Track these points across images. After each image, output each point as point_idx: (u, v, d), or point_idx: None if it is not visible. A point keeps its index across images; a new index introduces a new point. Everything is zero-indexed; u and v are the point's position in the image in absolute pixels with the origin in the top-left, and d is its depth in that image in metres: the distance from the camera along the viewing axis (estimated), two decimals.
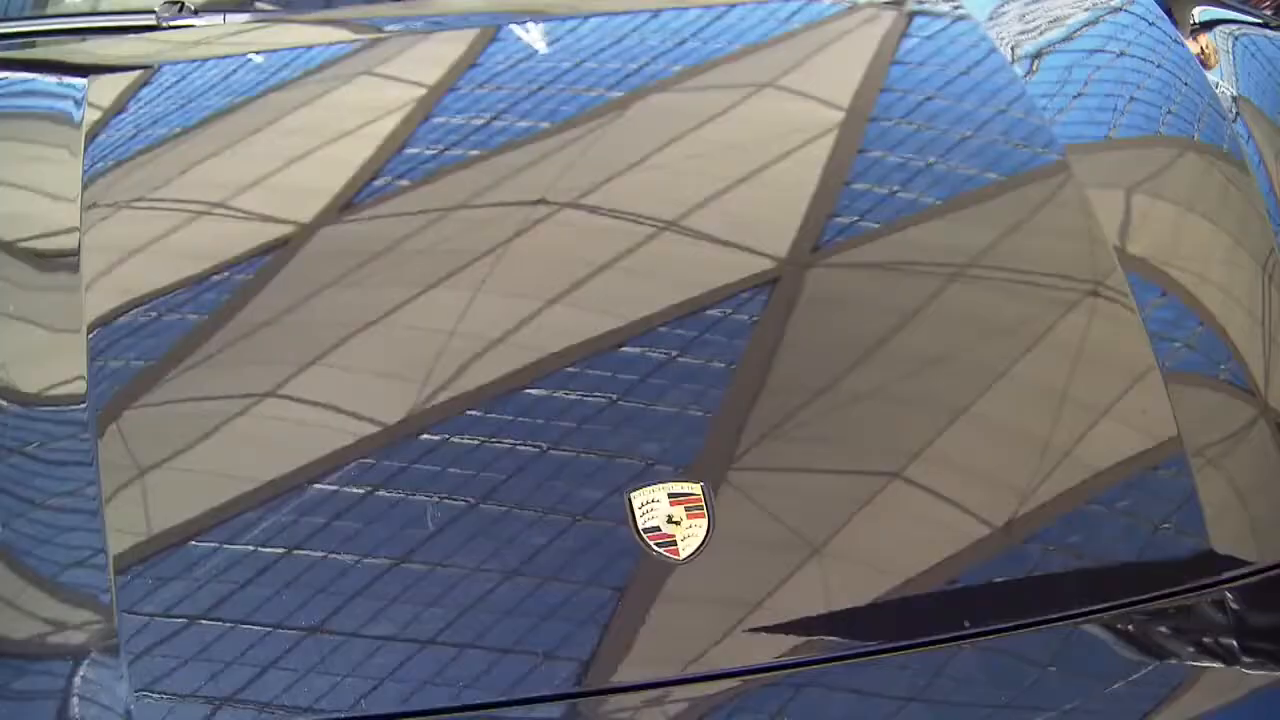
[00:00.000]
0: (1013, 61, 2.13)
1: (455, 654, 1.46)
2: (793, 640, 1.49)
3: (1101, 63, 2.17)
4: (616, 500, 1.55)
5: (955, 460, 1.62)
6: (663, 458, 1.60)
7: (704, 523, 1.53)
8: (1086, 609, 1.51)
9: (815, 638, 1.49)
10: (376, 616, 1.48)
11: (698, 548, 1.52)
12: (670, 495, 1.55)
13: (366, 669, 1.45)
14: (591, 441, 1.61)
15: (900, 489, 1.58)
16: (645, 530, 1.53)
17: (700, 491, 1.55)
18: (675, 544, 1.52)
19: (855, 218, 1.87)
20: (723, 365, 1.70)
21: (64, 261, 1.88)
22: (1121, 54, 2.18)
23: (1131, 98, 2.09)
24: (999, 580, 1.55)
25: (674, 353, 1.70)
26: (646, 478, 1.57)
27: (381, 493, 1.57)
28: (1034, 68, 2.13)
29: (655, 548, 1.52)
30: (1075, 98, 2.07)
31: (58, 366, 1.74)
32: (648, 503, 1.54)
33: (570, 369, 1.69)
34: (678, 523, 1.53)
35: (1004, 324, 1.74)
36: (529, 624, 1.48)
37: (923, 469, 1.59)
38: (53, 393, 1.73)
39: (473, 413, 1.65)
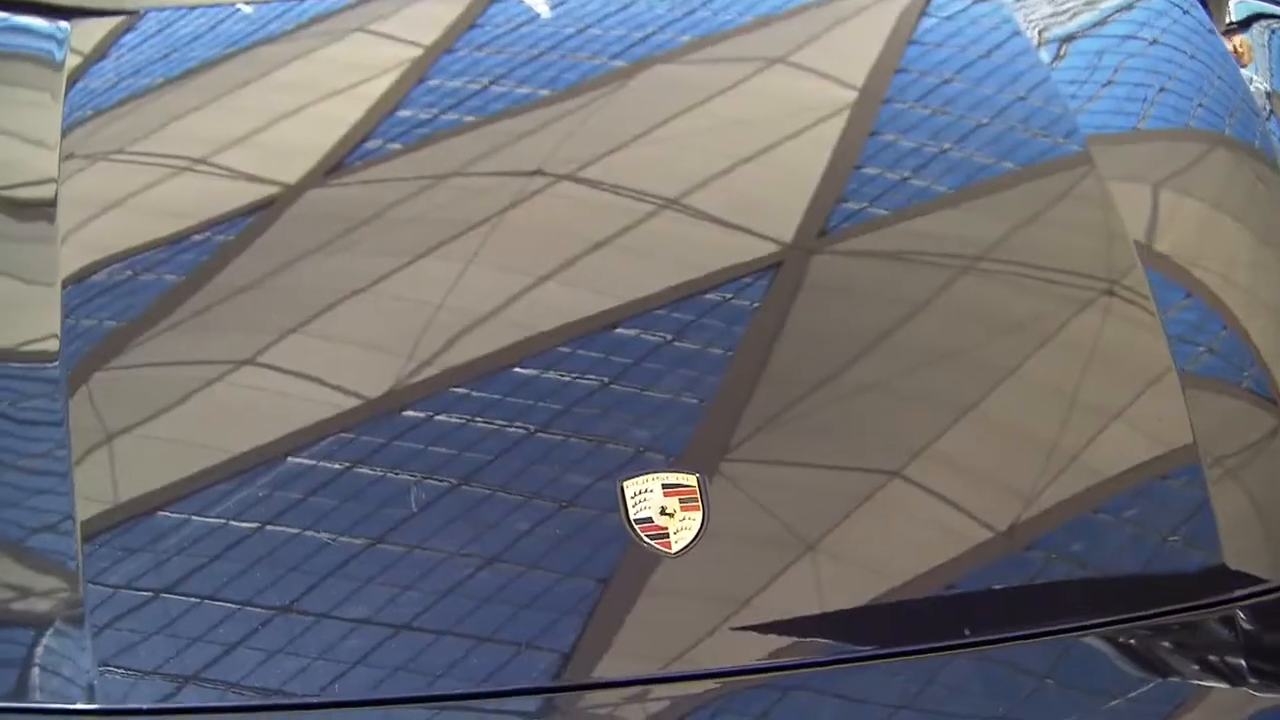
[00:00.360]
0: (1039, 45, 2.13)
1: (430, 641, 1.46)
2: (782, 641, 1.49)
3: (1133, 50, 2.17)
4: (607, 488, 1.56)
5: (958, 460, 1.62)
6: (655, 445, 1.60)
7: (698, 516, 1.53)
8: (1088, 621, 1.52)
9: (805, 640, 1.50)
10: (350, 598, 1.48)
11: (691, 541, 1.52)
12: (664, 486, 1.55)
13: (337, 652, 1.45)
14: (581, 425, 1.62)
15: (900, 488, 1.58)
16: (637, 521, 1.53)
17: (696, 483, 1.55)
18: (667, 537, 1.52)
19: (864, 203, 1.88)
20: (721, 352, 1.70)
21: (41, 211, 1.88)
22: (1154, 42, 2.18)
23: (1162, 88, 2.09)
24: (998, 587, 1.55)
25: (670, 336, 1.71)
26: (639, 466, 1.57)
27: (360, 469, 1.58)
28: (1061, 52, 2.13)
29: (646, 539, 1.52)
30: (1104, 86, 2.07)
31: (31, 321, 1.74)
32: (641, 493, 1.55)
33: (562, 349, 1.70)
34: (671, 515, 1.53)
35: (1015, 320, 1.75)
36: (508, 613, 1.48)
37: (924, 468, 1.60)
38: (26, 348, 1.73)
39: (458, 390, 1.66)
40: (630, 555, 1.52)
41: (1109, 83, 2.08)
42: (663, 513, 1.53)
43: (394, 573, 1.50)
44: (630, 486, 1.55)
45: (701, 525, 1.53)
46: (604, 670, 1.47)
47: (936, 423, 1.64)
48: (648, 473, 1.56)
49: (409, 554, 1.51)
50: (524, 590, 1.49)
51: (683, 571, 1.51)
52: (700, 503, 1.54)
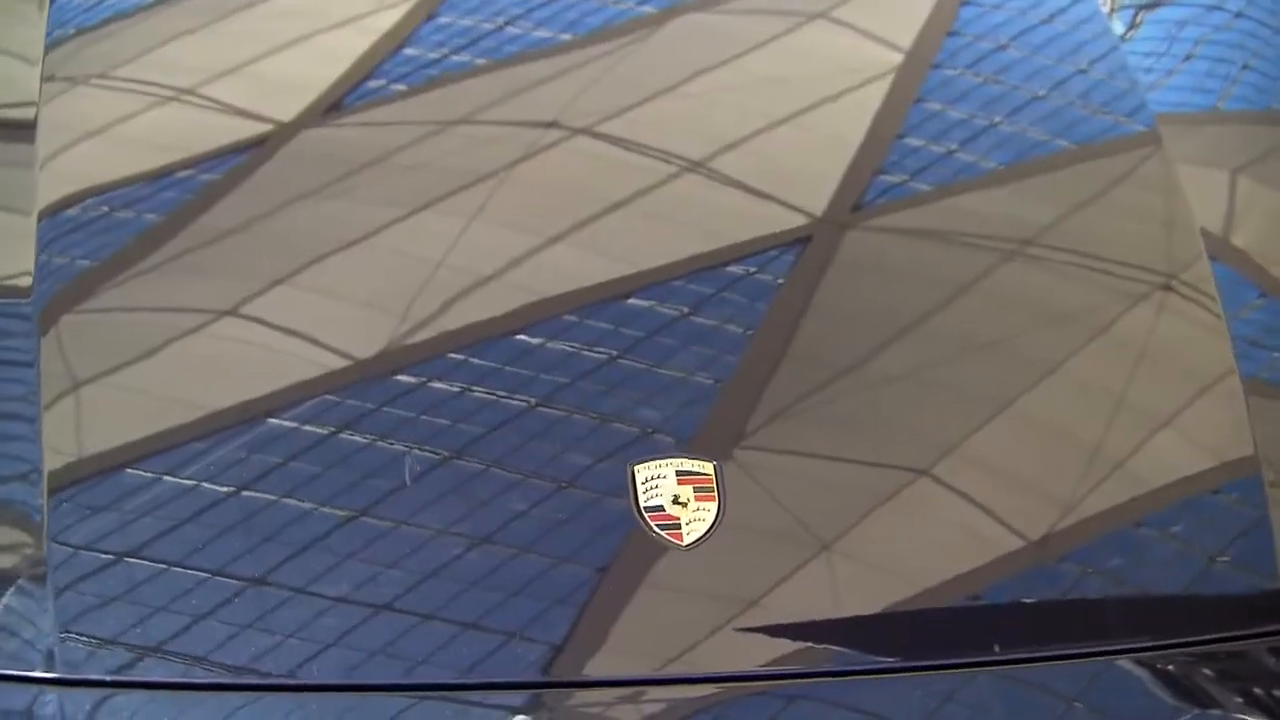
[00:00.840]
0: (1111, 12, 2.12)
1: (412, 625, 1.47)
2: (790, 647, 1.49)
3: (1217, 23, 2.16)
4: (612, 470, 1.56)
5: (991, 460, 1.62)
6: (665, 427, 1.60)
7: (714, 507, 1.53)
8: (1125, 643, 1.51)
9: (817, 646, 1.50)
10: (328, 574, 1.48)
11: (705, 534, 1.52)
12: (679, 473, 1.55)
13: (312, 631, 1.45)
14: (587, 401, 1.62)
15: (927, 488, 1.58)
16: (647, 509, 1.53)
17: (713, 471, 1.55)
18: (679, 528, 1.52)
19: (905, 176, 1.87)
20: (741, 330, 1.70)
21: (22, 134, 1.88)
22: (1239, 15, 2.17)
23: (1245, 65, 2.08)
24: (1027, 601, 1.55)
25: (687, 310, 1.71)
26: (647, 448, 1.57)
27: (346, 435, 1.58)
28: (1137, 20, 2.12)
29: (657, 529, 1.52)
30: (1182, 60, 2.06)
31: (6, 253, 1.74)
32: (653, 478, 1.54)
33: (569, 317, 1.70)
34: (684, 504, 1.53)
35: (1062, 311, 1.74)
36: (498, 599, 1.48)
37: (953, 467, 1.60)
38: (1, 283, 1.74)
39: (455, 355, 1.66)
40: (635, 545, 1.52)
41: (1188, 57, 2.07)
42: (675, 501, 1.53)
43: (377, 549, 1.50)
44: (641, 471, 1.55)
45: (717, 517, 1.53)
46: (597, 667, 1.47)
47: (970, 418, 1.64)
48: (659, 456, 1.56)
49: (394, 530, 1.51)
50: (516, 576, 1.49)
51: (692, 566, 1.50)
52: (716, 493, 1.54)
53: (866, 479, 1.60)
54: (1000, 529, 1.57)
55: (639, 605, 1.49)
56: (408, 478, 1.54)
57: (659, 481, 1.54)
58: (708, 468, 1.56)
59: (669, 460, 1.56)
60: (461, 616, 1.47)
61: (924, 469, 1.59)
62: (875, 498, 1.57)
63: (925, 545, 1.56)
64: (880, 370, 1.68)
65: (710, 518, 1.53)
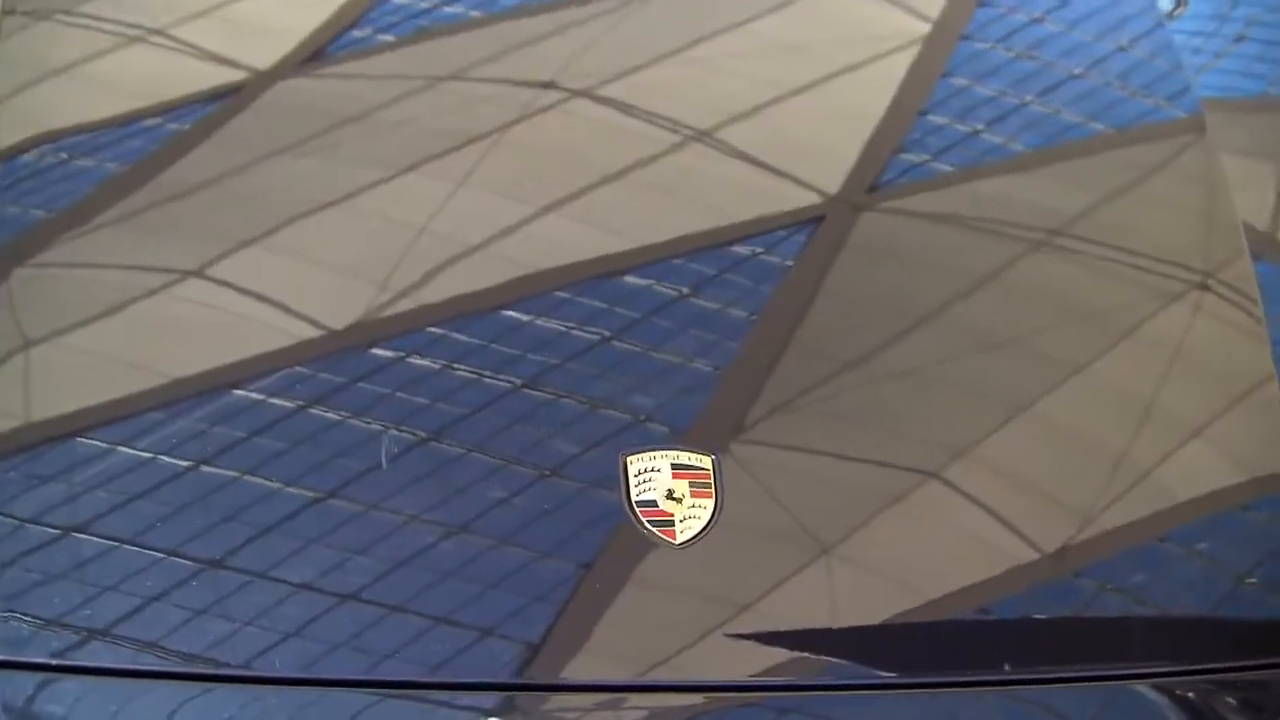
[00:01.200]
0: None
1: (379, 617, 1.47)
2: (783, 656, 1.50)
3: (1272, 3, 2.16)
4: (601, 460, 1.56)
5: (1006, 465, 1.62)
6: (659, 415, 1.60)
7: (710, 504, 1.53)
8: (1142, 666, 1.52)
9: (812, 657, 1.50)
10: (291, 559, 1.49)
11: (699, 532, 1.52)
12: (674, 466, 1.55)
13: (271, 620, 1.46)
14: (576, 384, 1.62)
15: (937, 492, 1.59)
16: (639, 504, 1.53)
17: (710, 466, 1.56)
18: (672, 525, 1.52)
19: (926, 156, 1.88)
20: (744, 314, 1.71)
21: None
22: None
23: None
24: (1040, 618, 1.56)
25: (687, 290, 1.71)
26: (639, 437, 1.57)
27: (315, 411, 1.58)
28: None
29: (648, 525, 1.52)
30: (1234, 41, 2.06)
31: None
32: (646, 471, 1.55)
33: (560, 293, 1.70)
34: (679, 500, 1.53)
35: (1090, 308, 1.75)
36: (473, 593, 1.48)
37: (966, 470, 1.60)
38: None
39: (436, 330, 1.66)
40: (622, 541, 1.52)
41: (1239, 38, 2.07)
42: (669, 497, 1.54)
43: (344, 534, 1.50)
44: (635, 463, 1.55)
45: (713, 515, 1.53)
46: (576, 671, 1.47)
47: (986, 418, 1.65)
48: (653, 448, 1.56)
49: (363, 514, 1.52)
50: (493, 569, 1.50)
51: (684, 566, 1.51)
52: (714, 489, 1.55)
53: (872, 479, 1.60)
54: (1013, 538, 1.57)
55: (624, 606, 1.49)
56: (384, 459, 1.55)
57: (653, 475, 1.54)
58: (705, 462, 1.56)
59: (664, 452, 1.56)
60: (432, 610, 1.47)
61: (934, 471, 1.60)
62: (881, 500, 1.58)
63: (932, 553, 1.56)
64: (892, 363, 1.68)
65: (706, 515, 1.53)
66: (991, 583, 1.55)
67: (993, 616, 1.56)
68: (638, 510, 1.53)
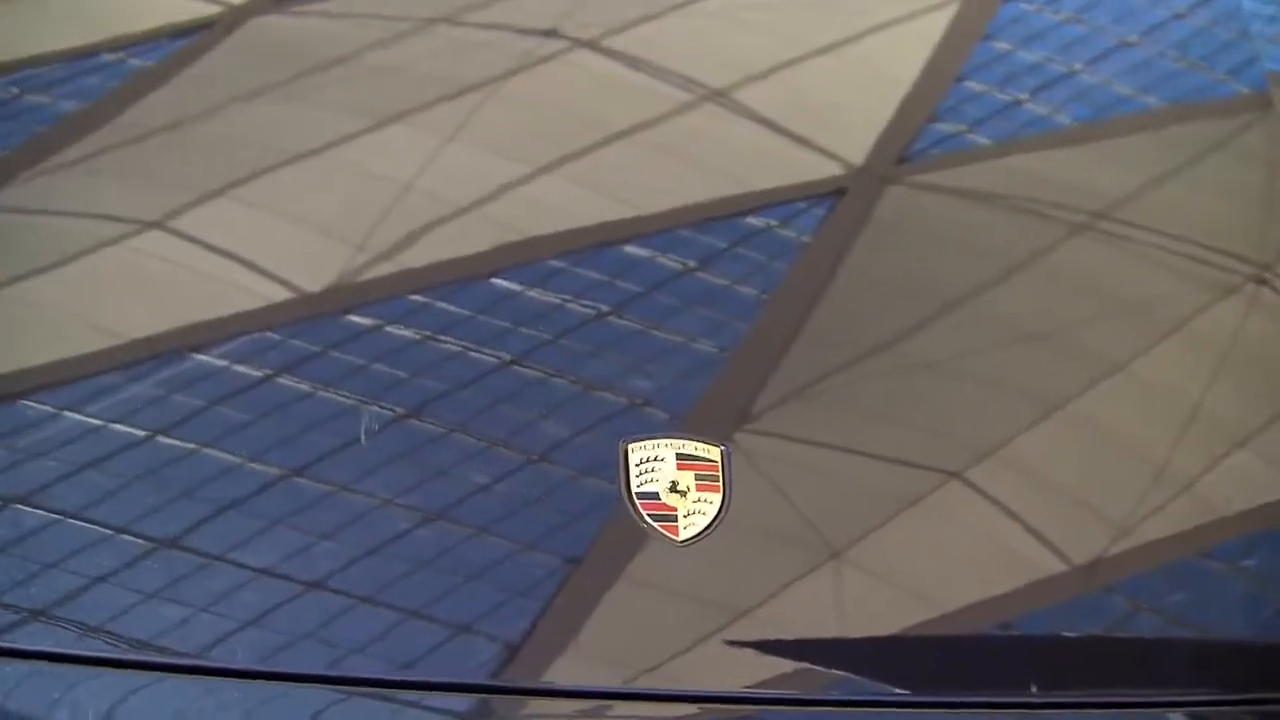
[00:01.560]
0: None
1: (346, 608, 1.47)
2: (787, 666, 1.50)
3: None
4: (594, 446, 1.56)
5: (1035, 467, 1.63)
6: (658, 398, 1.61)
7: (717, 499, 1.54)
8: (1179, 693, 1.52)
9: (817, 668, 1.50)
10: (251, 541, 1.49)
11: (704, 530, 1.53)
12: (679, 456, 1.55)
13: (228, 606, 1.45)
14: (569, 362, 1.62)
15: (958, 493, 1.59)
16: (640, 495, 1.53)
17: (719, 458, 1.56)
18: (675, 520, 1.52)
19: (961, 126, 1.88)
20: (754, 291, 1.71)
21: None
22: None
23: None
24: (1068, 635, 1.56)
25: (694, 264, 1.72)
26: (640, 423, 1.58)
27: (284, 380, 1.58)
28: None
29: (649, 520, 1.52)
30: None
31: None
32: (648, 460, 1.55)
33: (555, 262, 1.71)
34: (683, 493, 1.54)
35: (1134, 299, 1.76)
36: (448, 586, 1.48)
37: (991, 472, 1.61)
38: None
39: (418, 297, 1.66)
40: (617, 534, 1.52)
41: None
42: (673, 489, 1.53)
43: (311, 516, 1.50)
44: (636, 451, 1.55)
45: (720, 512, 1.53)
46: (558, 674, 1.47)
47: (1015, 416, 1.65)
48: (656, 435, 1.56)
49: (332, 495, 1.52)
50: (472, 560, 1.50)
51: (681, 565, 1.51)
52: (722, 483, 1.55)
53: (888, 478, 1.61)
54: (1040, 547, 1.58)
55: (613, 605, 1.49)
56: (364, 436, 1.55)
57: (655, 465, 1.54)
58: (714, 453, 1.56)
59: (669, 440, 1.56)
60: (404, 603, 1.48)
61: (956, 471, 1.60)
62: (897, 501, 1.58)
63: (952, 560, 1.57)
64: (915, 352, 1.69)
65: (712, 511, 1.53)
66: (1015, 595, 1.56)
67: (1015, 632, 1.57)
68: (638, 503, 1.53)
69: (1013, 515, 1.59)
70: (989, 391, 1.68)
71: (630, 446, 1.55)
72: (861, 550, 1.55)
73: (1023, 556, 1.57)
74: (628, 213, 1.76)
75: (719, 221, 1.76)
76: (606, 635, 1.49)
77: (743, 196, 1.78)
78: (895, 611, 1.54)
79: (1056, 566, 1.57)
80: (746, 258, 1.73)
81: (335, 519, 1.51)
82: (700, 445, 1.56)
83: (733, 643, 1.49)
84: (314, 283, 1.66)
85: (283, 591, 1.47)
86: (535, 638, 1.48)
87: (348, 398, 1.58)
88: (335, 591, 1.47)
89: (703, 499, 1.53)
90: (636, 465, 1.54)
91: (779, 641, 1.50)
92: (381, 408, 1.57)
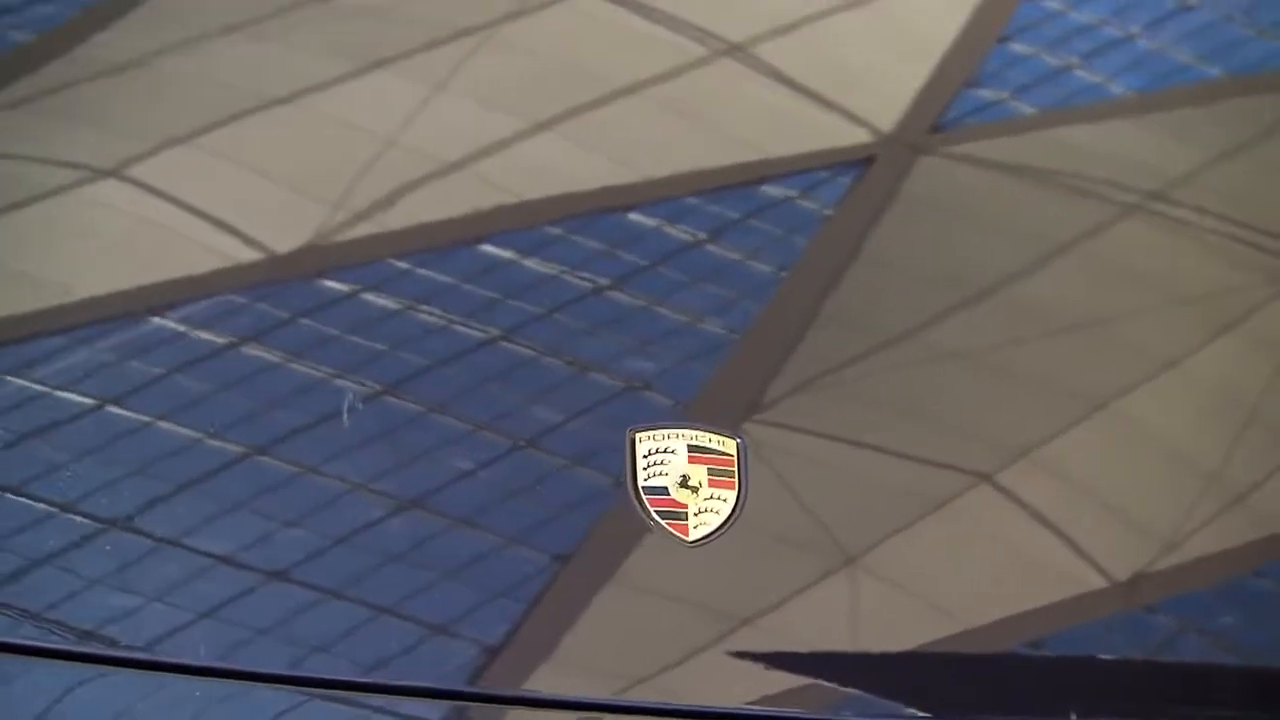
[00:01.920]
0: None
1: (310, 603, 1.47)
2: (793, 682, 1.50)
3: None
4: (590, 433, 1.57)
5: (1073, 471, 1.64)
6: (660, 382, 1.61)
7: (731, 496, 1.54)
8: None
9: (826, 685, 1.51)
10: (208, 525, 1.49)
11: (716, 529, 1.53)
12: (690, 448, 1.56)
13: (180, 597, 1.45)
14: (563, 340, 1.63)
15: (988, 497, 1.60)
16: (647, 490, 1.53)
17: (736, 451, 1.56)
18: (685, 518, 1.53)
19: (1004, 94, 1.89)
20: (770, 268, 1.72)
21: None
22: None
23: None
24: (1105, 658, 1.57)
25: (704, 235, 1.72)
26: (639, 408, 1.58)
27: (249, 349, 1.58)
28: None
29: (656, 516, 1.52)
30: None
31: None
32: (657, 451, 1.55)
33: (551, 228, 1.71)
34: (695, 489, 1.53)
35: (1188, 291, 1.76)
36: (423, 582, 1.49)
37: (1025, 475, 1.61)
38: None
39: (399, 263, 1.67)
40: (612, 531, 1.53)
41: None
42: (684, 485, 1.53)
43: (274, 500, 1.51)
44: (644, 441, 1.55)
45: (734, 510, 1.53)
46: (542, 682, 1.48)
47: (1053, 415, 1.66)
48: (665, 423, 1.56)
49: (299, 477, 1.52)
50: (450, 555, 1.50)
51: (682, 566, 1.51)
52: (737, 479, 1.54)
53: (910, 478, 1.61)
54: (1077, 560, 1.58)
55: (606, 608, 1.50)
56: (345, 415, 1.55)
57: (665, 457, 1.54)
58: (730, 445, 1.55)
59: (680, 430, 1.56)
60: (375, 599, 1.48)
61: (987, 473, 1.61)
62: (920, 504, 1.59)
63: (979, 571, 1.57)
64: (943, 341, 1.70)
65: (726, 510, 1.53)
66: (1048, 611, 1.56)
67: (1047, 653, 1.57)
68: (645, 498, 1.53)
69: (1047, 523, 1.60)
70: (1025, 387, 1.69)
71: (638, 436, 1.55)
72: (879, 556, 1.56)
73: (1057, 569, 1.58)
74: (633, 177, 1.76)
75: (732, 190, 1.76)
76: (597, 641, 1.50)
77: (759, 163, 1.79)
78: (914, 625, 1.54)
79: (1094, 581, 1.58)
80: (761, 230, 1.74)
81: (302, 504, 1.51)
82: (715, 437, 1.56)
83: (734, 654, 1.50)
84: (284, 242, 1.66)
85: (242, 582, 1.47)
86: (518, 641, 1.48)
87: (318, 370, 1.58)
88: (300, 584, 1.48)
89: (716, 496, 1.53)
90: (644, 457, 1.54)
91: (786, 654, 1.51)
92: (356, 383, 1.57)
